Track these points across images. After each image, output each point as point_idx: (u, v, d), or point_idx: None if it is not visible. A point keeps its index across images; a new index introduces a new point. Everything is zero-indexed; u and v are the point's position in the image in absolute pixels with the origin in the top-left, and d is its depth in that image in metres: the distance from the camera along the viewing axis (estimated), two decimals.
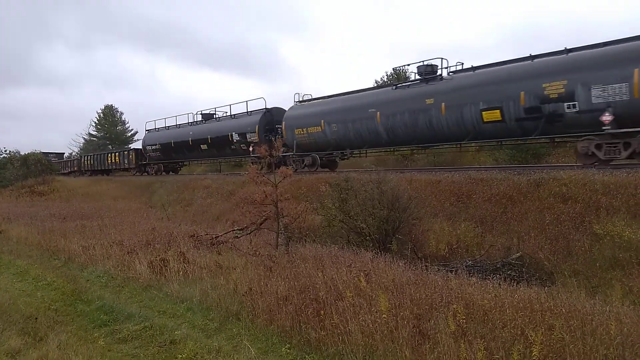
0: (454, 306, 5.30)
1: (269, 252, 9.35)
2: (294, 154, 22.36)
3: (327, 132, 20.61)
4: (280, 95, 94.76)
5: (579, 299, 5.85)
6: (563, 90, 13.29)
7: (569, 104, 13.24)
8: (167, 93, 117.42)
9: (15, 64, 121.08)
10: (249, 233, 11.47)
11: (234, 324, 6.57)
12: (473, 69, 16.39)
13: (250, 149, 24.09)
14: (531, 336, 4.51)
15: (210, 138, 27.78)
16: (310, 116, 21.67)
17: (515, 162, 20.94)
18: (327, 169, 21.83)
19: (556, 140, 14.99)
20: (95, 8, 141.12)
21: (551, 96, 13.55)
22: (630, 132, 12.38)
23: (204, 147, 28.45)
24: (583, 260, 9.26)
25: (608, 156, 13.04)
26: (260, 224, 11.16)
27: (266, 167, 19.75)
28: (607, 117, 12.57)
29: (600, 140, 13.06)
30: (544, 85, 13.70)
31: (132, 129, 62.27)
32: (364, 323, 5.39)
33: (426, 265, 7.83)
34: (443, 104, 16.12)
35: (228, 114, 28.06)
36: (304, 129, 21.60)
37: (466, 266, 8.90)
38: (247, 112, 26.14)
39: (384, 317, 5.32)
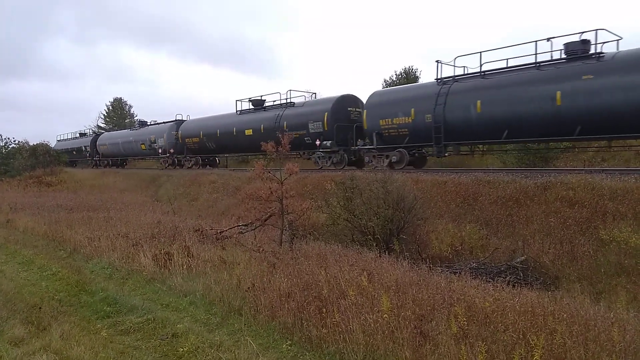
0: (456, 308, 5.29)
1: (272, 249, 9.38)
2: (100, 158, 43.01)
3: (110, 148, 41.14)
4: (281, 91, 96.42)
5: (582, 304, 5.81)
6: (154, 138, 33.37)
7: (156, 145, 33.33)
8: (169, 87, 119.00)
9: (19, 57, 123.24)
10: (254, 229, 11.51)
11: (236, 319, 6.58)
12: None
13: (88, 155, 44.96)
14: (532, 340, 4.49)
15: (76, 147, 47.88)
16: (108, 139, 42.73)
17: (522, 165, 20.83)
18: (119, 167, 41.61)
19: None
20: (93, 3, 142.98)
21: (152, 141, 33.63)
22: (178, 157, 32.36)
23: (75, 152, 48.11)
24: (588, 265, 9.21)
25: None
26: (265, 220, 11.18)
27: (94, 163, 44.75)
28: (167, 150, 32.49)
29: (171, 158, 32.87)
30: (150, 137, 34.07)
31: None
32: (365, 322, 5.38)
33: (430, 266, 7.81)
34: (133, 139, 36.90)
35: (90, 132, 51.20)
36: (103, 146, 42.18)
37: (470, 268, 8.87)
38: (87, 134, 49.65)
39: (386, 317, 5.32)
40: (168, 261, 9.27)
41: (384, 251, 9.41)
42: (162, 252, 9.65)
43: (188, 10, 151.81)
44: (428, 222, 11.94)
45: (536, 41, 14.86)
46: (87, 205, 20.10)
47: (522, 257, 9.90)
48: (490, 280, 7.50)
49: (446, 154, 17.52)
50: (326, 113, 20.55)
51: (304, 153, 22.79)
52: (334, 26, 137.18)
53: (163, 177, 28.60)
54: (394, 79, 37.24)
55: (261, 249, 9.24)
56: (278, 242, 10.16)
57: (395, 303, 5.59)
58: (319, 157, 21.33)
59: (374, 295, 5.95)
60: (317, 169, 20.62)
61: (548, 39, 14.68)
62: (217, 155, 30.58)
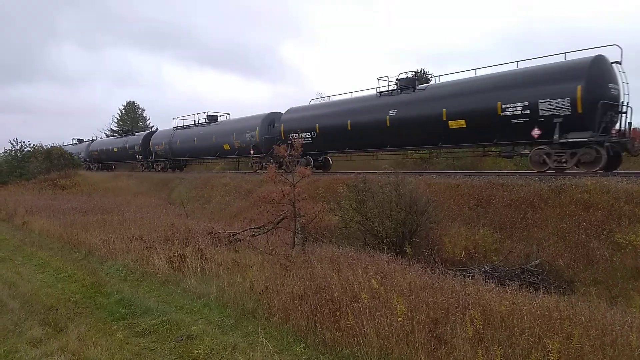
0: (471, 312, 5.26)
1: (285, 251, 9.38)
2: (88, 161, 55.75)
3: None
4: (285, 96, 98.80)
5: (599, 309, 5.75)
6: (80, 151, 50.75)
7: (80, 156, 49.07)
8: (174, 91, 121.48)
9: (26, 61, 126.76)
10: (266, 232, 11.54)
11: (249, 321, 6.61)
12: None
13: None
14: (549, 344, 4.46)
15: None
16: (77, 148, 52.25)
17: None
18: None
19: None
20: (97, 9, 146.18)
21: (79, 153, 49.12)
22: (90, 164, 51.96)
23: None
24: (604, 269, 9.11)
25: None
26: (278, 223, 11.22)
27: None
28: (85, 159, 51.72)
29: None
30: (78, 151, 50.79)
31: (152, 126, 63.21)
32: (379, 325, 5.37)
33: (443, 270, 7.77)
34: (72, 151, 45.78)
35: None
36: (79, 155, 52.12)
37: (484, 272, 8.82)
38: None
39: (400, 321, 5.30)
40: (182, 263, 9.34)
41: (397, 254, 9.39)
42: (176, 254, 9.72)
43: (190, 15, 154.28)
44: (441, 225, 11.89)
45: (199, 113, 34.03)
46: (101, 207, 20.31)
47: (537, 261, 9.82)
48: (505, 283, 7.45)
49: (175, 166, 36.81)
50: (140, 140, 40.18)
51: (137, 164, 41.88)
52: (338, 30, 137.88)
53: (175, 181, 28.80)
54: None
55: (274, 252, 9.27)
56: (290, 245, 10.18)
57: (409, 306, 5.57)
58: (140, 164, 40.93)
59: (387, 298, 5.93)
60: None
61: (205, 113, 33.35)
62: (108, 162, 48.41)
